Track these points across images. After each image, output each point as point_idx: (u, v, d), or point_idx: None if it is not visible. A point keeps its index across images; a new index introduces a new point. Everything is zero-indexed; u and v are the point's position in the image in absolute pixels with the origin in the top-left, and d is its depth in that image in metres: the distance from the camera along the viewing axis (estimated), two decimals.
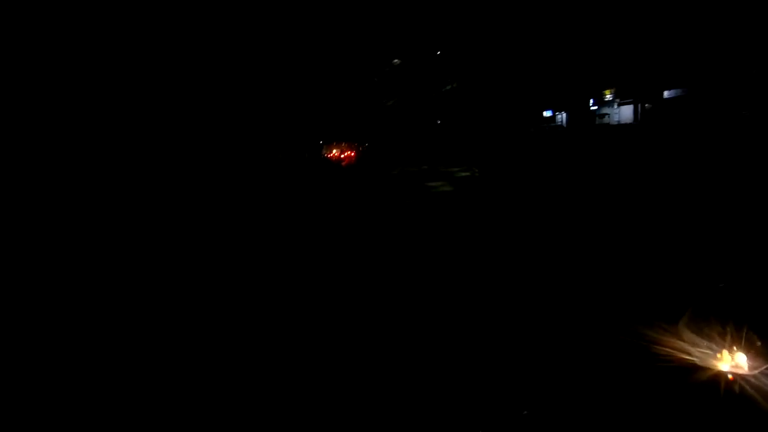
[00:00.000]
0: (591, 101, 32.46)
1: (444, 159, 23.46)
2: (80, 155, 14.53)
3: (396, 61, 29.48)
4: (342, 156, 45.44)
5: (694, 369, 2.91)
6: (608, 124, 29.31)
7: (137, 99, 17.49)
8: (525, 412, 2.55)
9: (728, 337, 3.11)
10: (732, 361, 2.91)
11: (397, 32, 28.03)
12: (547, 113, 37.65)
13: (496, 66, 29.69)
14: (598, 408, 2.61)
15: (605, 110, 31.79)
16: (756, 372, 2.80)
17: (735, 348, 2.99)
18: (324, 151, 39.94)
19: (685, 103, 24.31)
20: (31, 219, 9.46)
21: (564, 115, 37.45)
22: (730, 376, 2.81)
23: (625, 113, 31.12)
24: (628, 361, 2.98)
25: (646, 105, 28.82)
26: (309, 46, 29.87)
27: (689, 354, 3.03)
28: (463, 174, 16.73)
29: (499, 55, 29.77)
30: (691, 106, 23.41)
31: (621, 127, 27.78)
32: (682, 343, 3.13)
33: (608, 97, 31.52)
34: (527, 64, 29.88)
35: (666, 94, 24.77)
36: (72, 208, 10.83)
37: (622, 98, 29.65)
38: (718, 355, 2.98)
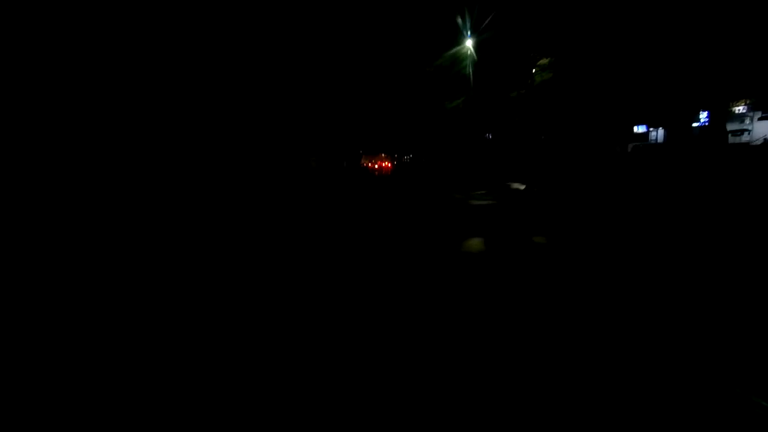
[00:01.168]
0: (706, 114, 25.18)
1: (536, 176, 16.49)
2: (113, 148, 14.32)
3: (468, 44, 22.79)
4: (377, 167, 40.50)
5: None
6: (748, 144, 21.94)
7: (162, 103, 16.78)
8: None
9: None
10: None
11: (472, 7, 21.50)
12: (639, 129, 30.54)
13: (590, 61, 22.79)
14: None
15: (733, 125, 24.47)
16: None
17: None
18: (363, 161, 35.24)
19: None
20: (30, 219, 9.45)
21: (659, 132, 30.32)
22: None
23: (763, 129, 23.82)
24: None
25: None
26: (354, 32, 23.93)
27: None
28: None
29: (594, 48, 22.88)
30: None
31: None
32: None
33: (739, 109, 24.23)
34: (628, 62, 22.65)
35: None
36: (92, 205, 11.10)
37: (764, 110, 22.33)
38: None
